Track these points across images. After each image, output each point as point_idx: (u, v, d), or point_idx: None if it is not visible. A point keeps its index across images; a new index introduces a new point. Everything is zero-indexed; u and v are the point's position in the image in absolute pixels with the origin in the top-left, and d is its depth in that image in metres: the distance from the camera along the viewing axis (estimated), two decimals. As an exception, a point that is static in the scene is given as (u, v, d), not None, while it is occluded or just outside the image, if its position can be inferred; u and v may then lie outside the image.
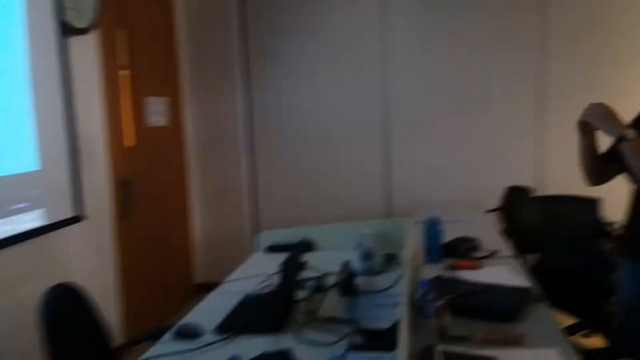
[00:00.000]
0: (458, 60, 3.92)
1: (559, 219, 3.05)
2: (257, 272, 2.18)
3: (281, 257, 2.22)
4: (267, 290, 1.93)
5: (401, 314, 1.38)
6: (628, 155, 1.52)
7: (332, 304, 1.80)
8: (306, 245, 2.40)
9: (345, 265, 1.93)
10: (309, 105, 4.12)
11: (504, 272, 2.07)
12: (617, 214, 2.83)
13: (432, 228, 2.18)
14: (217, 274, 3.98)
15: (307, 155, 4.15)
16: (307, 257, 2.22)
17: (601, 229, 2.90)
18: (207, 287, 2.11)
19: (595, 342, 1.99)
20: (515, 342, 1.45)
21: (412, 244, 2.06)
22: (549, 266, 2.23)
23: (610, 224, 2.88)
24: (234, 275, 2.23)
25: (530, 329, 1.54)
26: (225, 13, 4.07)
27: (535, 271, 2.10)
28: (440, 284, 1.81)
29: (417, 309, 1.43)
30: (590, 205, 2.97)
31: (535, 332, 1.52)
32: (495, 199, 3.54)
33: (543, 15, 3.79)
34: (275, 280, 2.00)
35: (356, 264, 2.04)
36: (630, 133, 1.52)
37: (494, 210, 3.43)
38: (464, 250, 2.33)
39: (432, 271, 2.04)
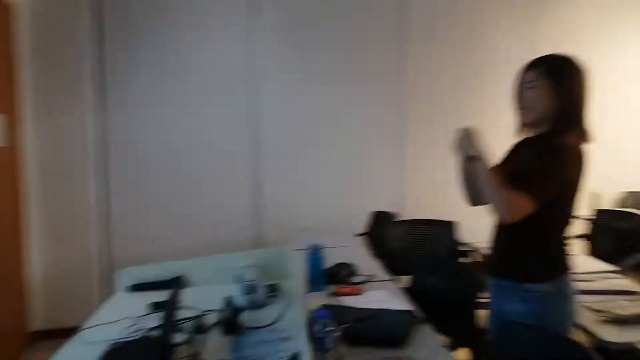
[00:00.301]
0: (327, 87, 4.01)
1: (421, 241, 3.24)
2: (122, 315, 1.91)
3: (149, 296, 2.01)
4: (137, 336, 1.69)
5: (302, 349, 1.30)
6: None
7: (215, 345, 1.64)
8: (179, 282, 2.18)
9: (228, 301, 1.78)
10: (173, 128, 3.86)
11: (384, 296, 2.10)
12: (471, 235, 3.13)
13: (315, 255, 2.14)
14: (61, 319, 3.50)
15: (169, 183, 3.86)
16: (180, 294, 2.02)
17: (458, 249, 3.14)
18: (48, 335, 1.79)
19: (461, 356, 2.10)
20: (410, 367, 1.44)
21: (298, 272, 1.99)
22: (420, 287, 2.31)
23: (466, 244, 3.14)
24: (93, 320, 1.93)
25: (419, 353, 1.56)
26: (77, 22, 3.66)
27: (407, 292, 2.17)
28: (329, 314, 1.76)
29: (316, 342, 1.35)
30: (449, 227, 3.20)
31: (424, 354, 1.54)
32: (362, 223, 3.66)
33: (403, 43, 4.07)
34: (146, 323, 1.77)
35: (239, 298, 1.90)
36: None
37: (362, 234, 3.53)
38: (343, 276, 2.32)
39: (316, 300, 1.99)
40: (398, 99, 4.09)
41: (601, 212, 3.44)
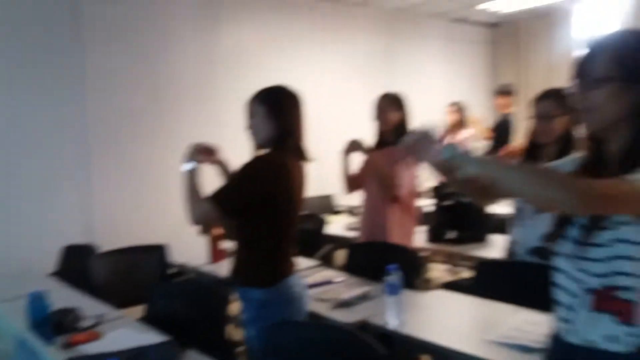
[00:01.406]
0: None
1: (132, 268, 3.05)
2: None
3: None
4: None
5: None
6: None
7: None
8: None
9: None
10: None
11: (128, 333, 1.92)
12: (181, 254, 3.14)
13: (38, 305, 1.78)
14: None
15: None
16: None
17: (173, 270, 3.11)
18: None
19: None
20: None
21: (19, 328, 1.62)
22: (159, 314, 2.22)
23: (178, 265, 3.12)
24: None
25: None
26: None
27: (147, 323, 2.06)
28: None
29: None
30: (157, 251, 3.13)
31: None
32: (50, 262, 3.17)
33: (81, 60, 3.73)
34: None
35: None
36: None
37: (56, 273, 3.06)
38: (68, 323, 2.00)
39: (51, 356, 1.67)
40: (79, 124, 3.74)
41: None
